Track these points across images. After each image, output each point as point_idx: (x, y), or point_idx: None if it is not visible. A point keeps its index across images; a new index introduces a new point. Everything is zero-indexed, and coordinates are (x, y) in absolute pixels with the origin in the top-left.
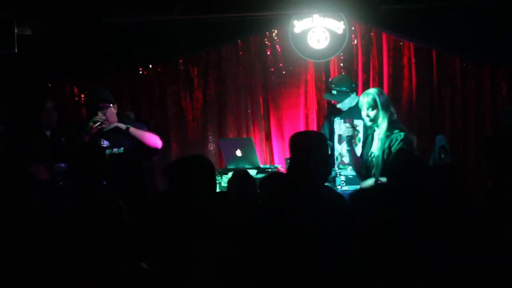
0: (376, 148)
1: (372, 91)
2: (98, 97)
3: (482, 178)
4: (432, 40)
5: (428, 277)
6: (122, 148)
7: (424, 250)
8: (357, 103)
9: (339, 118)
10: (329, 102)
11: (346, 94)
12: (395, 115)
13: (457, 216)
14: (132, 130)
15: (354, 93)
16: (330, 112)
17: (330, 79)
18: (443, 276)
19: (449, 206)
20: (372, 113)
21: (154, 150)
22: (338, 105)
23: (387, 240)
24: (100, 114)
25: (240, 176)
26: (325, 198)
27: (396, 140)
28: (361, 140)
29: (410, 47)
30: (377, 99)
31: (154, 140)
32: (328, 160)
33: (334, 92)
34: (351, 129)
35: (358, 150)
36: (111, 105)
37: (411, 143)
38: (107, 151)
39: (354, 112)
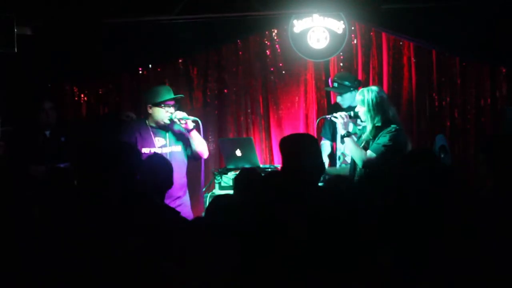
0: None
1: (367, 89)
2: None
3: (482, 178)
4: (432, 39)
5: (429, 277)
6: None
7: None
8: None
9: None
10: (329, 103)
11: (347, 88)
12: (392, 114)
13: (457, 215)
14: (194, 134)
15: (356, 90)
16: (331, 112)
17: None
18: (443, 276)
19: (449, 206)
20: (359, 110)
21: (199, 157)
22: (338, 99)
23: (386, 241)
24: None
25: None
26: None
27: (386, 134)
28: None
29: (410, 47)
30: (365, 97)
31: (203, 150)
32: (318, 161)
33: (336, 84)
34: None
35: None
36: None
37: (398, 139)
38: (162, 150)
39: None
